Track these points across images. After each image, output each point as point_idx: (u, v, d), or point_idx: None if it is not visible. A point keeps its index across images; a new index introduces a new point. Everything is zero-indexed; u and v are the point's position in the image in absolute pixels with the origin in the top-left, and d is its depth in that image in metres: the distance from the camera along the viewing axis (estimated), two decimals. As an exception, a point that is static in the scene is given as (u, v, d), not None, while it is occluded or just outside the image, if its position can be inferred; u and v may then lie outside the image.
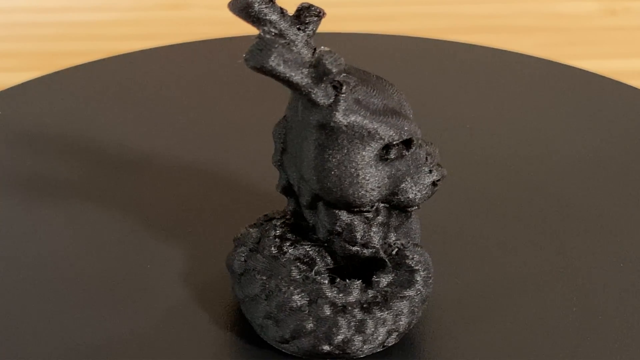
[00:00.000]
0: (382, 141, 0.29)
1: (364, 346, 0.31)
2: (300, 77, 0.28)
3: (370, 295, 0.31)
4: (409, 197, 0.31)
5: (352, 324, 0.30)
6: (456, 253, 0.36)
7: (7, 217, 0.38)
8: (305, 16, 0.29)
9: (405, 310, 0.31)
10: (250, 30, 0.30)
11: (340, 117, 0.29)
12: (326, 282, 0.31)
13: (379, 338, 0.31)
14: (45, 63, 0.58)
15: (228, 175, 0.40)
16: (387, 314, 0.31)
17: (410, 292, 0.31)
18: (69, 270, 0.35)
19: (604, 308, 0.33)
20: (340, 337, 0.30)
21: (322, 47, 0.29)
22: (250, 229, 0.33)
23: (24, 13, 0.65)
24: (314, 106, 0.29)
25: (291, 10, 0.30)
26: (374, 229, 0.31)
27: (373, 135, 0.29)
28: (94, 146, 0.42)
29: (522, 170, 0.40)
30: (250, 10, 0.29)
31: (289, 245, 0.32)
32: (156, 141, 0.42)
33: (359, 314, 0.30)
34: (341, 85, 0.28)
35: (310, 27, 0.29)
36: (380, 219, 0.31)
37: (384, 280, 0.31)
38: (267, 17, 0.29)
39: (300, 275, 0.31)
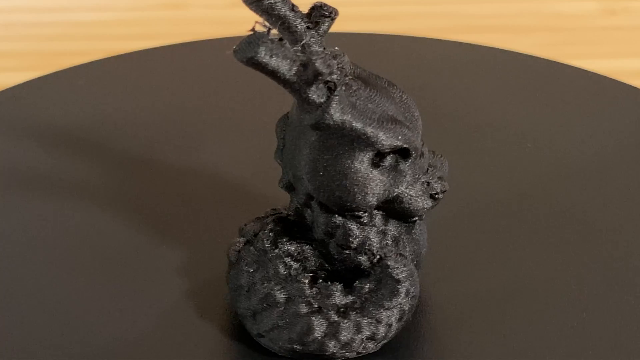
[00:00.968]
0: (373, 147, 0.29)
1: (338, 350, 0.30)
2: (289, 72, 0.28)
3: (349, 300, 0.30)
4: (403, 207, 0.31)
5: (326, 326, 0.30)
6: (456, 255, 0.36)
7: (5, 217, 0.38)
8: (316, 15, 0.29)
9: (383, 319, 0.30)
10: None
11: (330, 117, 0.28)
12: (306, 281, 0.31)
13: (354, 344, 0.30)
14: (45, 63, 0.58)
15: (228, 175, 0.40)
16: (364, 320, 0.30)
17: (390, 303, 0.30)
18: (64, 270, 0.35)
19: (609, 313, 0.33)
20: (313, 338, 0.30)
21: (336, 47, 0.29)
22: (252, 223, 0.33)
23: (24, 13, 0.65)
24: (306, 104, 0.29)
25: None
26: (366, 234, 0.30)
27: (364, 140, 0.29)
28: (94, 146, 0.42)
29: (522, 170, 0.40)
30: (260, 3, 0.29)
31: (285, 241, 0.32)
32: (156, 141, 0.42)
33: (334, 317, 0.30)
34: (335, 86, 0.28)
35: (321, 26, 0.29)
36: (376, 226, 0.31)
37: (366, 286, 0.31)
38: (278, 12, 0.29)
39: (285, 271, 0.31)
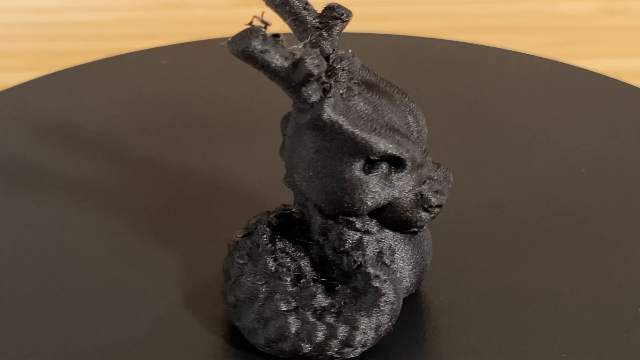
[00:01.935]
0: (364, 153, 0.29)
1: (311, 352, 0.30)
2: (281, 69, 0.27)
3: (327, 303, 0.30)
4: (394, 217, 0.30)
5: (300, 326, 0.30)
6: (458, 257, 0.36)
7: (4, 217, 0.38)
8: (328, 16, 0.30)
9: (359, 327, 0.30)
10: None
11: (320, 117, 0.28)
12: (289, 279, 0.31)
13: (328, 348, 0.30)
14: (45, 63, 0.58)
15: (228, 176, 0.40)
16: (340, 326, 0.30)
17: (368, 312, 0.30)
18: (60, 271, 0.35)
19: (613, 319, 0.33)
20: (286, 337, 0.30)
21: (349, 50, 0.29)
22: (259, 216, 0.32)
23: (24, 13, 0.65)
24: (299, 103, 0.29)
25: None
26: (359, 239, 0.30)
27: (354, 144, 0.29)
28: (93, 146, 0.42)
29: (521, 170, 0.40)
30: None
31: (283, 237, 0.31)
32: (156, 141, 0.42)
33: (310, 318, 0.30)
34: (330, 87, 0.28)
35: (334, 28, 0.29)
36: (370, 232, 0.30)
37: (346, 291, 0.30)
38: (290, 7, 0.29)
39: (273, 266, 0.31)
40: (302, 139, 0.29)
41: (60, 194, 0.39)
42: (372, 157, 0.29)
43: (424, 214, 0.31)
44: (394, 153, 0.29)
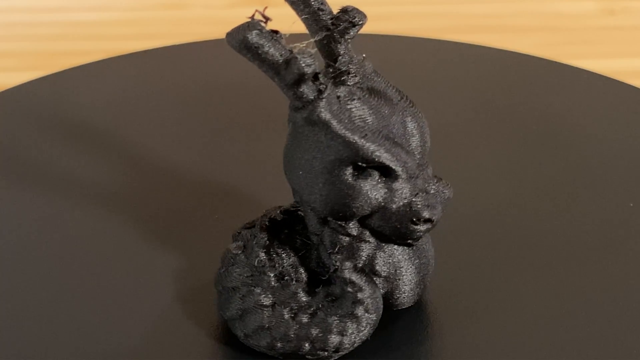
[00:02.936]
0: (352, 158, 0.29)
1: (285, 351, 0.30)
2: (276, 64, 0.28)
3: (304, 303, 0.30)
4: (383, 227, 0.30)
5: (275, 323, 0.30)
6: (457, 258, 0.36)
7: (4, 216, 0.38)
8: (341, 19, 0.30)
9: (333, 330, 0.30)
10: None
11: (311, 116, 0.28)
12: (272, 274, 0.31)
13: (302, 348, 0.30)
14: (45, 63, 0.58)
15: (228, 176, 0.40)
16: (313, 327, 0.30)
17: (342, 317, 0.30)
18: (55, 272, 0.35)
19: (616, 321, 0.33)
20: (262, 332, 0.30)
21: (363, 55, 0.30)
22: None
23: (24, 13, 0.65)
24: (293, 100, 0.29)
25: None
26: (348, 244, 0.30)
27: (343, 147, 0.29)
28: (93, 146, 0.42)
29: (521, 170, 0.40)
30: None
31: (283, 234, 0.32)
32: (155, 142, 0.42)
33: (285, 315, 0.30)
34: (326, 88, 0.28)
35: (345, 30, 0.29)
36: (364, 240, 0.30)
37: (323, 293, 0.30)
38: (304, 7, 0.29)
39: (262, 260, 0.31)
40: (296, 138, 0.29)
41: (60, 194, 0.39)
42: (360, 164, 0.29)
43: (413, 227, 0.30)
44: (384, 161, 0.29)
